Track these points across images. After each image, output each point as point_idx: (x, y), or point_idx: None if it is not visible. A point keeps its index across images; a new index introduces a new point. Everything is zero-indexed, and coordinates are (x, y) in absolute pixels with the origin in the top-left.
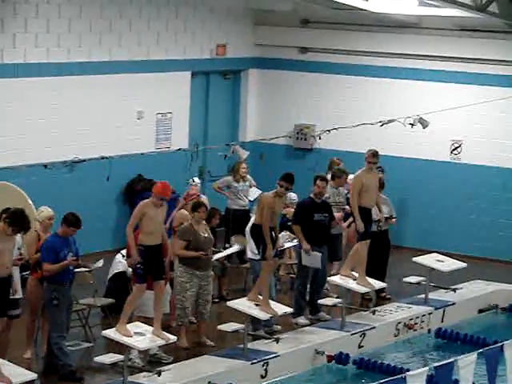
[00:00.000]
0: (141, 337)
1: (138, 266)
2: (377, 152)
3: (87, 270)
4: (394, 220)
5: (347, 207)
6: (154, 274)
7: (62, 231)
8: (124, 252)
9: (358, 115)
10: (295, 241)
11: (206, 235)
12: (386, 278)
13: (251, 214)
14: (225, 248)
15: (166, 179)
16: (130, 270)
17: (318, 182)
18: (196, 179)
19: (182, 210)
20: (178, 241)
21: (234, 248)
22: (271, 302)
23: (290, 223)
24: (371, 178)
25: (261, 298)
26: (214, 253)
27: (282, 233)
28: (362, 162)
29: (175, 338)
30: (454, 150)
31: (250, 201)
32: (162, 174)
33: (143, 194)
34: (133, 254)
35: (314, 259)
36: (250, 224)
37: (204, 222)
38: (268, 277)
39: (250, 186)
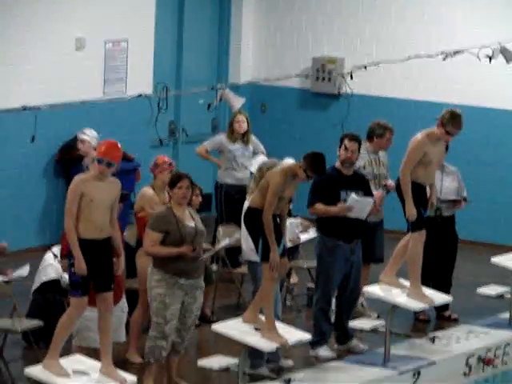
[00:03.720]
0: (83, 377)
1: (74, 269)
2: (460, 116)
3: (4, 280)
4: (463, 204)
5: (390, 182)
6: (97, 283)
7: None
8: (56, 250)
9: (409, 43)
10: (312, 231)
11: (194, 225)
12: (452, 289)
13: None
14: (214, 242)
15: (120, 140)
16: (67, 276)
17: (347, 142)
18: (90, 132)
19: (146, 189)
20: (150, 232)
21: (222, 243)
22: (278, 324)
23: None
24: (438, 149)
25: (263, 318)
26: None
27: (292, 219)
28: (413, 116)
29: (134, 378)
30: None
31: (251, 173)
32: (114, 132)
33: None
34: (77, 257)
35: (360, 208)
36: (244, 208)
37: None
38: (273, 287)
39: (256, 153)
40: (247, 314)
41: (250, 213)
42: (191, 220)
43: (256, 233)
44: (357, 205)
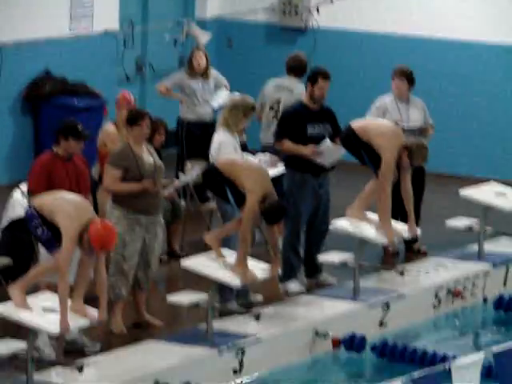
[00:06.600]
0: (52, 314)
1: (40, 227)
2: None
3: None
4: (431, 131)
5: None
6: None
7: None
8: (25, 188)
9: None
10: (281, 166)
11: (152, 160)
12: (421, 222)
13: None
14: (177, 178)
15: (88, 76)
16: None
17: (321, 81)
18: None
19: (108, 125)
20: (109, 169)
21: (190, 176)
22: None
23: None
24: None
25: (227, 253)
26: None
27: (261, 156)
28: (381, 50)
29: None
30: None
31: (214, 109)
32: (81, 68)
33: (52, 99)
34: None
35: (328, 154)
36: (213, 145)
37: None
38: (250, 229)
39: (218, 87)
40: (211, 236)
41: (212, 172)
42: (149, 156)
43: (222, 190)
44: (327, 151)
